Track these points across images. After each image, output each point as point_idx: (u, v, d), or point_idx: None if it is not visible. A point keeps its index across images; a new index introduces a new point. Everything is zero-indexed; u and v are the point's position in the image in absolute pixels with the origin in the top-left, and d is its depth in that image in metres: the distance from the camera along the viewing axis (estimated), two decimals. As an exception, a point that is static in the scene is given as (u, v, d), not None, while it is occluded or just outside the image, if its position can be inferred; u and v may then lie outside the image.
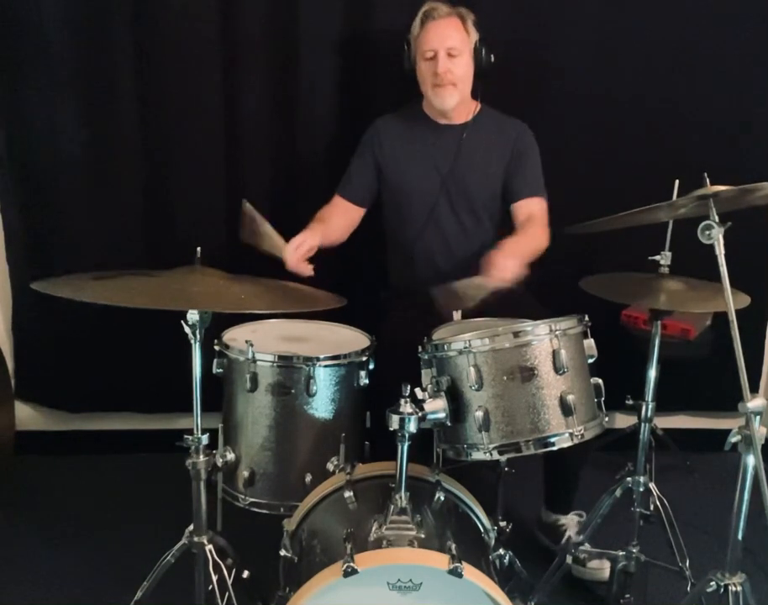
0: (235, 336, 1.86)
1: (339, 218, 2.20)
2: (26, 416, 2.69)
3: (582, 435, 1.49)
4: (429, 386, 1.54)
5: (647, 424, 1.80)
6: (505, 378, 1.48)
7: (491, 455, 1.49)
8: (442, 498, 1.50)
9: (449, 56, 2.06)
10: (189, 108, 2.43)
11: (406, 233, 2.23)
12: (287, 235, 1.94)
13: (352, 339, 1.92)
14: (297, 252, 1.91)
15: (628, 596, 1.88)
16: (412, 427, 1.38)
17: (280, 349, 1.77)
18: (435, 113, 2.21)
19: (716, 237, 1.34)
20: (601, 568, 2.02)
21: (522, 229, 2.14)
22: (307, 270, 1.92)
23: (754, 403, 1.31)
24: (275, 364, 1.74)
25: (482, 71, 2.15)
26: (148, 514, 2.31)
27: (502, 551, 1.57)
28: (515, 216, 2.22)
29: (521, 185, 2.21)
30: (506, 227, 2.29)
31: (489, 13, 2.13)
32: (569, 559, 1.88)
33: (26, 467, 2.55)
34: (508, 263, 1.81)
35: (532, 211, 2.19)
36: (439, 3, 2.10)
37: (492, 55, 2.14)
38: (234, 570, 1.62)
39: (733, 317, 1.33)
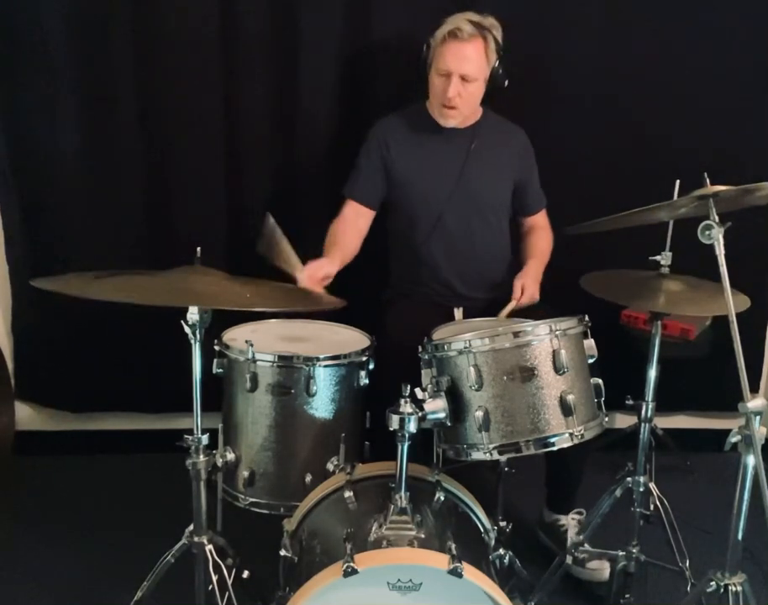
0: (235, 336, 1.86)
1: (353, 229, 2.17)
2: (26, 416, 2.68)
3: (582, 435, 1.50)
4: (429, 386, 1.54)
5: (647, 424, 1.80)
6: (505, 378, 1.48)
7: (491, 454, 1.49)
8: (442, 498, 1.50)
9: (462, 80, 2.04)
10: (189, 108, 2.42)
11: (413, 234, 2.22)
12: (287, 234, 1.93)
13: (352, 339, 1.92)
14: (312, 278, 1.87)
15: (628, 596, 1.88)
16: (412, 427, 1.38)
17: (280, 349, 1.77)
18: None
19: (716, 237, 1.34)
20: (601, 568, 2.02)
21: (535, 243, 2.28)
22: (319, 289, 1.89)
23: (754, 403, 1.31)
24: (275, 364, 1.73)
25: (494, 87, 2.14)
26: (148, 514, 2.31)
27: (502, 551, 1.57)
28: (522, 224, 2.36)
29: (533, 199, 2.34)
30: (510, 230, 2.33)
31: (490, 15, 2.13)
32: (569, 559, 1.88)
33: (26, 467, 2.55)
34: (536, 293, 2.08)
35: (539, 221, 2.34)
36: (465, 22, 2.04)
37: (507, 81, 2.13)
38: (234, 570, 1.62)
39: (733, 317, 1.33)
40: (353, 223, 2.19)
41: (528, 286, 2.07)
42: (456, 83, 2.04)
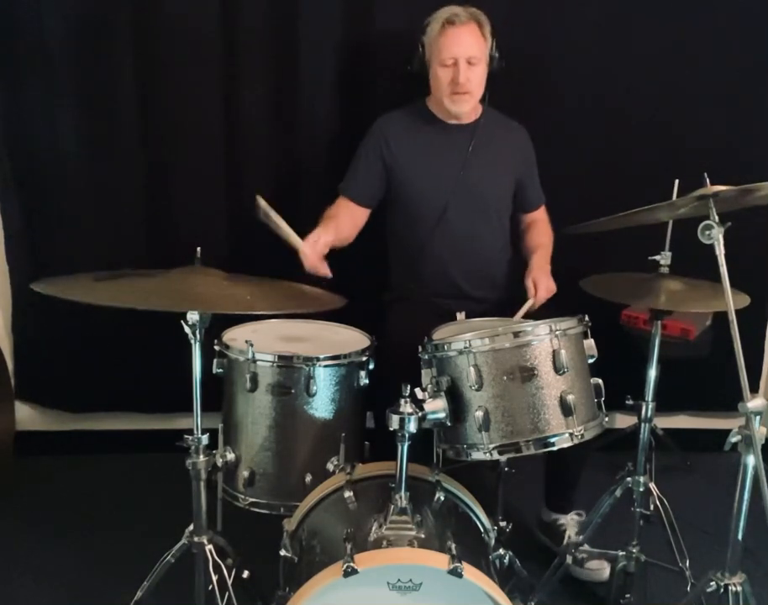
0: (235, 336, 1.86)
1: (347, 218, 2.18)
2: (26, 416, 2.68)
3: (582, 435, 1.50)
4: (429, 386, 1.54)
5: (647, 424, 1.80)
6: (505, 378, 1.48)
7: (491, 455, 1.49)
8: (442, 498, 1.50)
9: (468, 65, 2.06)
10: (189, 108, 2.42)
11: (414, 233, 2.22)
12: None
13: (352, 339, 1.92)
14: (314, 249, 1.89)
15: (628, 596, 1.88)
16: (412, 427, 1.38)
17: (280, 349, 1.77)
18: (444, 114, 2.20)
19: (716, 237, 1.34)
20: (600, 568, 2.03)
21: (536, 236, 2.28)
22: (325, 269, 1.91)
23: (754, 403, 1.31)
24: (275, 364, 1.73)
25: (492, 75, 2.15)
26: (148, 514, 2.32)
27: (502, 551, 1.57)
28: (522, 221, 2.37)
29: (533, 195, 2.35)
30: (510, 227, 2.33)
31: (490, 15, 2.13)
32: (569, 559, 1.88)
33: (26, 467, 2.54)
34: (551, 283, 2.05)
35: (538, 217, 2.35)
36: (457, 8, 2.07)
37: (504, 61, 2.15)
38: (234, 570, 1.62)
39: (733, 317, 1.33)
40: (348, 215, 2.19)
41: (539, 280, 2.04)
42: (465, 68, 2.05)
